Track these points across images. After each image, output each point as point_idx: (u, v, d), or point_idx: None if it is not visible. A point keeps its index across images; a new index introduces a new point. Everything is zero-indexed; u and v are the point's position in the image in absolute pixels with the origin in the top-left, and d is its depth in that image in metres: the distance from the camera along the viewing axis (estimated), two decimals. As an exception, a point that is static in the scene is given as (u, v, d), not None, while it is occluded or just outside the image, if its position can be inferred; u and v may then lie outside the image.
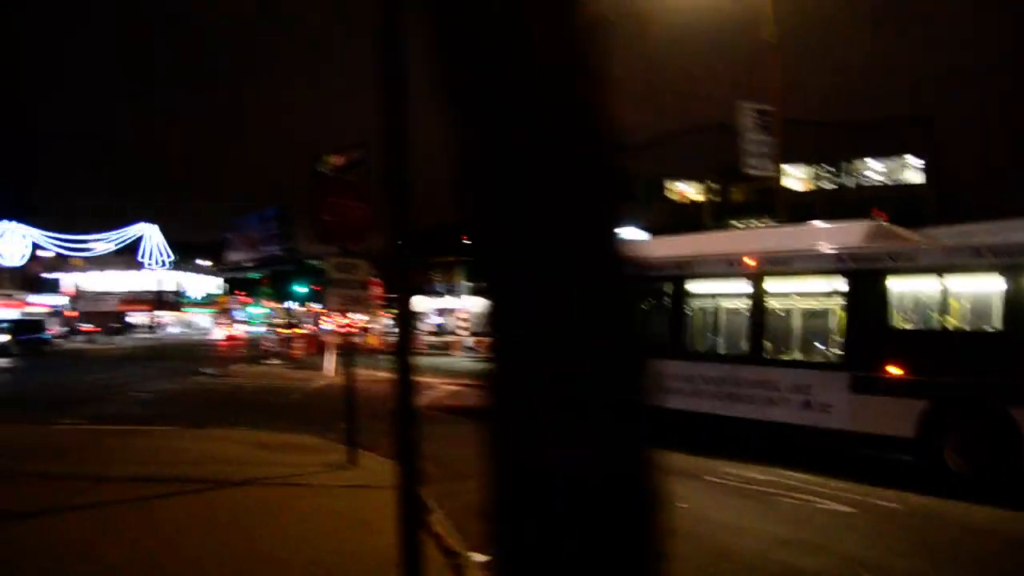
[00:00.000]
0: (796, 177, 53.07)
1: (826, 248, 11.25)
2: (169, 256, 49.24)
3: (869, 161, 53.11)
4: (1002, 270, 9.37)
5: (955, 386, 9.51)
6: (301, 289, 62.20)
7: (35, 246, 49.56)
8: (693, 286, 12.86)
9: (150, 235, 46.04)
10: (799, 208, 47.74)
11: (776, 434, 11.33)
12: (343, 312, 9.84)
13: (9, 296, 58.51)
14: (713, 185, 58.78)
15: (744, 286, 12.13)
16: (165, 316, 78.91)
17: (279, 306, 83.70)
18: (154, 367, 30.21)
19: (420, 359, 10.62)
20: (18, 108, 61.69)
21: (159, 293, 77.54)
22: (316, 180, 9.61)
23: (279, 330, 43.74)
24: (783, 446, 11.40)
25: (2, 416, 14.80)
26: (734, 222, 55.36)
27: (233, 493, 7.88)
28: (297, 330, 42.02)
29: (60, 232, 48.99)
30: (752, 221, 56.11)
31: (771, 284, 11.89)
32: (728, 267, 12.29)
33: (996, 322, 9.65)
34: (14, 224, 47.59)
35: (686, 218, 50.66)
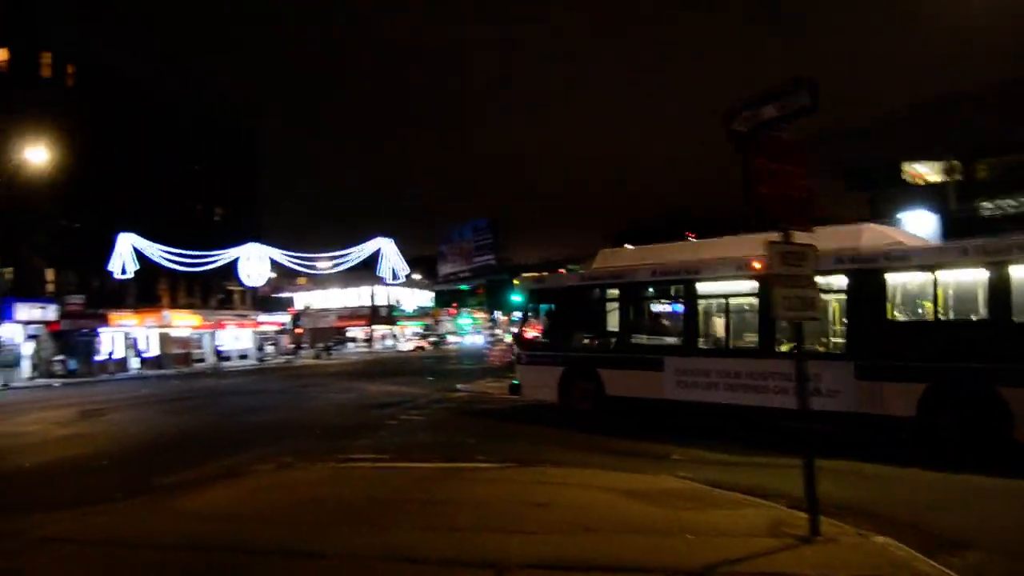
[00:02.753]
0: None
1: (829, 250, 11.83)
2: (406, 269, 49.16)
3: None
4: (986, 266, 10.59)
5: (949, 370, 10.70)
6: (516, 298, 61.09)
7: (274, 264, 50.93)
8: (706, 287, 14.00)
9: (386, 249, 45.90)
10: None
11: (786, 419, 11.94)
12: (792, 319, 6.89)
13: (244, 316, 61.06)
14: (955, 163, 51.83)
15: (754, 287, 13.08)
16: (380, 330, 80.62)
17: (485, 316, 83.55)
18: (395, 383, 28.99)
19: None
20: (247, 136, 64.38)
21: (374, 308, 79.30)
22: (743, 140, 6.80)
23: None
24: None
25: (282, 446, 13.26)
26: (985, 203, 48.55)
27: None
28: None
29: (291, 251, 50.30)
30: (1007, 201, 49.00)
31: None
32: (738, 270, 13.25)
33: (983, 311, 10.88)
34: (255, 246, 49.08)
35: (926, 202, 45.11)
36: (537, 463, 10.72)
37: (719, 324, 14.17)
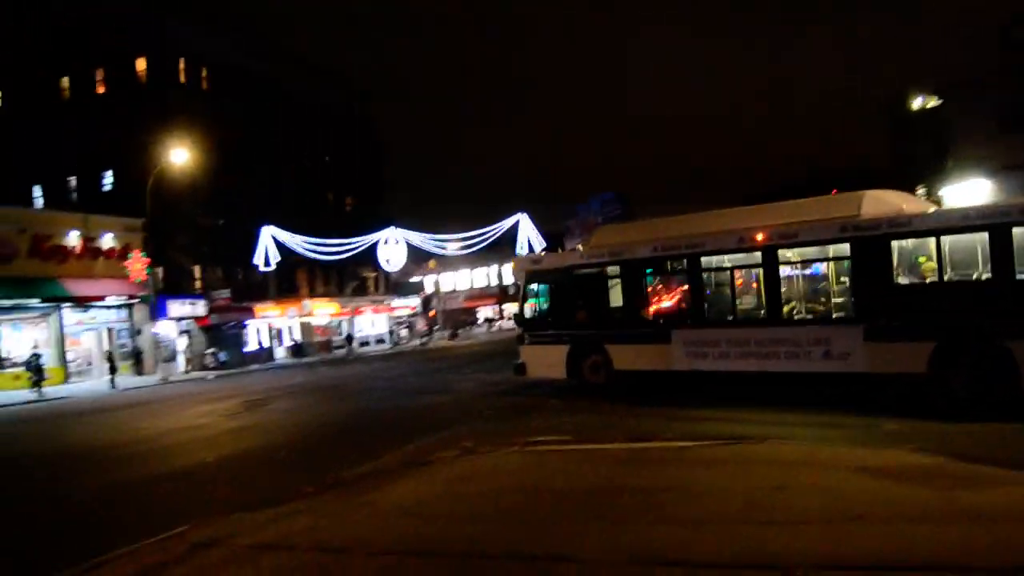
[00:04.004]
0: None
1: (833, 218, 12.59)
2: (543, 243, 48.73)
3: None
4: (987, 229, 10.96)
5: (957, 327, 11.22)
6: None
7: (410, 248, 51.48)
8: (709, 261, 14.36)
9: (524, 224, 45.77)
10: None
11: (803, 383, 12.86)
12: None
13: (378, 301, 62.12)
14: None
15: (757, 258, 13.56)
16: (508, 309, 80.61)
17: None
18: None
19: None
20: (369, 125, 65.11)
21: (502, 286, 79.29)
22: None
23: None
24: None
25: (454, 431, 12.74)
26: None
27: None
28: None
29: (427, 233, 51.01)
30: None
31: (784, 254, 13.37)
32: (740, 243, 13.64)
33: (986, 271, 11.23)
34: (394, 229, 49.83)
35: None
36: (733, 440, 9.80)
37: (725, 295, 14.49)
